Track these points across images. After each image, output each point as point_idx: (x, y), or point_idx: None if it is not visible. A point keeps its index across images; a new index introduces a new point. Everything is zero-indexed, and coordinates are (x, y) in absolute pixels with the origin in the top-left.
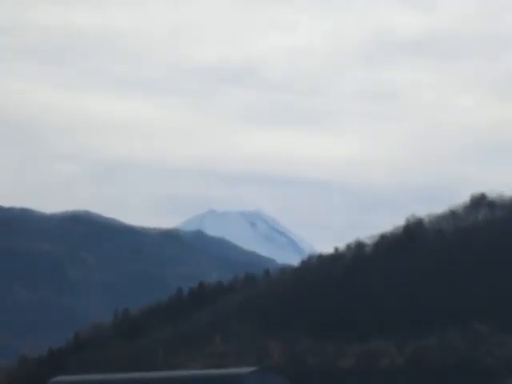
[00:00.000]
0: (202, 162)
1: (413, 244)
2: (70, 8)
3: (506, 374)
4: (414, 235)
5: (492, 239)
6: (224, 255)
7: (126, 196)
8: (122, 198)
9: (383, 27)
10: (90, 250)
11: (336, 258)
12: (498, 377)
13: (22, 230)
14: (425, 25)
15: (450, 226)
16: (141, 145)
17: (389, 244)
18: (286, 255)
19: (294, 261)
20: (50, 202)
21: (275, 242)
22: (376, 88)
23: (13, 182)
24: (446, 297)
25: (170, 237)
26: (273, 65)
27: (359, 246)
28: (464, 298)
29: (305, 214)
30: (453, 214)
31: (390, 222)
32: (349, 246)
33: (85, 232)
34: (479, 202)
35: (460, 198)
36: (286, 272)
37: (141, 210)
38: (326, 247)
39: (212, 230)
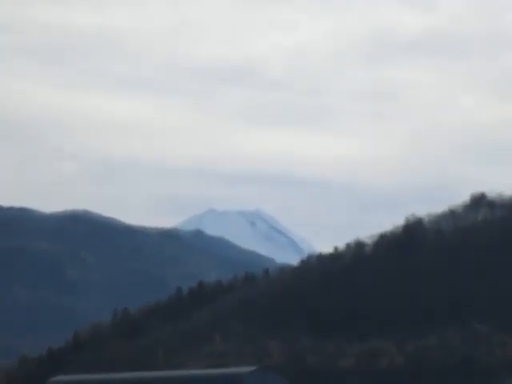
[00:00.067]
0: (202, 162)
1: (412, 244)
2: (70, 8)
3: (505, 374)
4: (413, 235)
5: (492, 239)
6: (224, 255)
7: (125, 196)
8: (121, 198)
9: (383, 27)
10: (90, 249)
11: (336, 257)
12: (498, 377)
13: (22, 230)
14: (425, 25)
15: (450, 226)
16: (141, 145)
17: (388, 244)
18: (286, 255)
19: (294, 260)
20: (49, 201)
21: (275, 242)
22: (376, 88)
23: (12, 181)
24: (446, 296)
25: (169, 236)
26: (273, 65)
27: (359, 245)
28: (464, 297)
29: (304, 214)
30: (452, 214)
31: (389, 221)
32: (348, 246)
33: (84, 231)
34: (479, 201)
35: (460, 197)
36: (286, 271)
37: (140, 209)
38: (325, 247)
39: (211, 230)
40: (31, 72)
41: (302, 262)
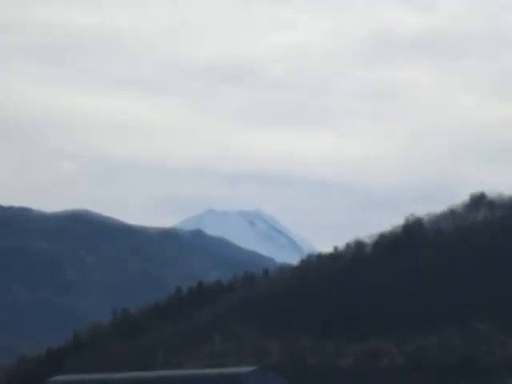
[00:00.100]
0: (202, 162)
1: (412, 243)
2: (70, 8)
3: (505, 374)
4: (413, 235)
5: (491, 239)
6: (223, 254)
7: (125, 195)
8: (121, 198)
9: (383, 27)
10: (90, 249)
11: (335, 257)
12: (498, 377)
13: (22, 230)
14: (425, 24)
15: (450, 226)
16: (140, 144)
17: (388, 243)
18: (286, 255)
19: (294, 260)
20: (49, 201)
21: (274, 242)
22: (376, 88)
23: (12, 181)
24: (446, 296)
25: (169, 236)
26: (273, 64)
27: (359, 245)
28: (464, 297)
29: (304, 214)
30: (452, 214)
31: (389, 221)
32: (348, 246)
33: (84, 231)
34: (479, 201)
35: (460, 197)
36: (286, 271)
37: (140, 209)
38: (325, 247)
39: (211, 230)
40: (31, 72)
41: (302, 261)
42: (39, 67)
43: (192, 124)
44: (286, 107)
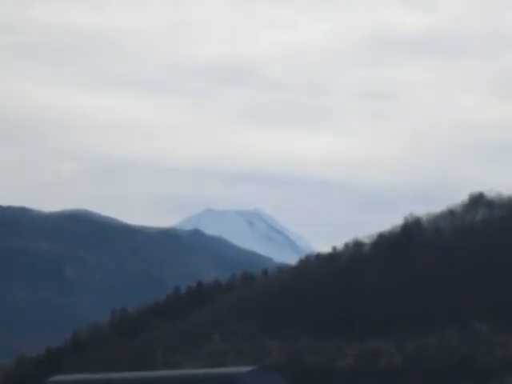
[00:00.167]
0: (202, 162)
1: (411, 243)
2: (70, 8)
3: (505, 374)
4: (412, 234)
5: (490, 238)
6: (222, 254)
7: (124, 195)
8: (120, 198)
9: (383, 27)
10: (89, 249)
11: (334, 257)
12: (498, 376)
13: (21, 229)
14: (425, 24)
15: (448, 226)
16: (140, 144)
17: (387, 243)
18: (284, 254)
19: (292, 260)
20: (48, 200)
21: (273, 241)
22: (376, 88)
23: (11, 180)
24: (445, 296)
25: (168, 236)
26: (273, 64)
27: (357, 245)
28: (463, 297)
29: (303, 214)
30: (451, 214)
31: (388, 221)
32: (347, 246)
33: (83, 231)
34: (478, 201)
35: (460, 197)
36: (284, 271)
37: (139, 209)
38: (324, 246)
39: (210, 229)
40: (31, 72)
41: (301, 261)
42: (39, 67)
43: (192, 124)
44: (286, 107)
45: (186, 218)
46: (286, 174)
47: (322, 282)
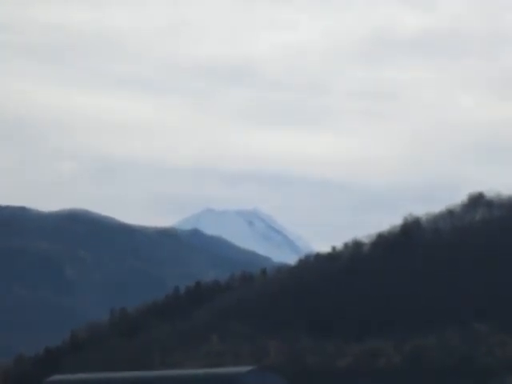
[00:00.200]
0: (202, 162)
1: (410, 243)
2: (70, 8)
3: (505, 374)
4: (411, 234)
5: (490, 238)
6: (221, 254)
7: (124, 195)
8: (120, 197)
9: (383, 26)
10: (89, 248)
11: (333, 257)
12: (498, 376)
13: (20, 229)
14: (425, 24)
15: (448, 226)
16: (140, 144)
17: (386, 243)
18: (283, 254)
19: (291, 260)
20: (48, 200)
21: (272, 241)
22: (376, 87)
23: (11, 180)
24: (445, 296)
25: (167, 235)
26: (273, 64)
27: (357, 245)
28: (463, 297)
29: (303, 213)
30: (450, 214)
31: (388, 221)
32: (346, 246)
33: (83, 231)
34: (477, 201)
35: (460, 197)
36: (283, 271)
37: (138, 208)
38: (323, 246)
39: (209, 229)
40: (31, 72)
41: (300, 261)
42: (39, 67)
43: (192, 124)
44: (286, 107)
45: (186, 217)
46: (285, 173)
47: (322, 282)
